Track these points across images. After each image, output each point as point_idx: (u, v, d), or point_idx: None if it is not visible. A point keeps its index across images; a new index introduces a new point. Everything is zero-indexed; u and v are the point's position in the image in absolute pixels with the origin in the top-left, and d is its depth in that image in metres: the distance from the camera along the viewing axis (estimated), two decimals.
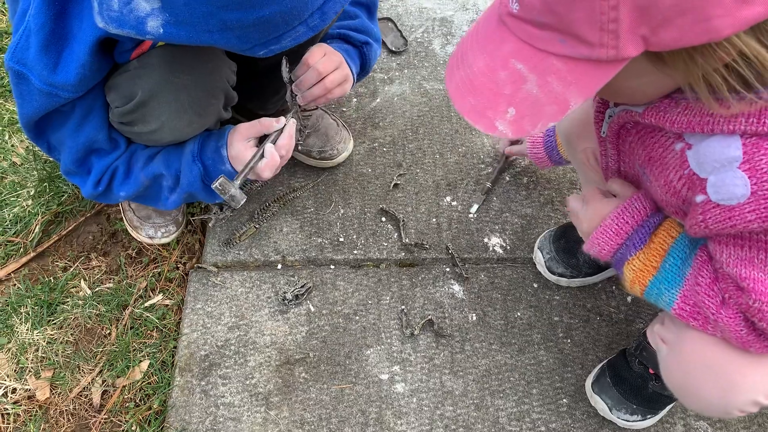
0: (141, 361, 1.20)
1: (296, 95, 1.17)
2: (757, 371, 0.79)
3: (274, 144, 1.10)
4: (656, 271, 0.81)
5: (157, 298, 1.27)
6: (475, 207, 1.36)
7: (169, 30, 0.79)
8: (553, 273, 1.25)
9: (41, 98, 0.94)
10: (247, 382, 1.15)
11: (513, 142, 1.38)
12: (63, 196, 1.40)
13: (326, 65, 1.13)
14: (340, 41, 1.22)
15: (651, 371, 1.04)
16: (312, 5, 0.83)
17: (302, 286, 1.25)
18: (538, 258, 1.26)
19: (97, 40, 0.90)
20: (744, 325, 0.73)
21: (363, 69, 1.25)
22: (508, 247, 1.32)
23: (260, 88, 1.36)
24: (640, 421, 1.08)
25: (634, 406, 1.07)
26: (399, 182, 1.41)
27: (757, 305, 0.69)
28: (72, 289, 1.30)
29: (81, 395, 1.18)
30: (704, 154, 0.67)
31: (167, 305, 1.27)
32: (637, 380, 1.06)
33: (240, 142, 1.11)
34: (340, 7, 0.88)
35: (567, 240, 1.23)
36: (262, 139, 1.14)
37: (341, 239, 1.33)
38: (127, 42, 0.95)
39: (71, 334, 1.24)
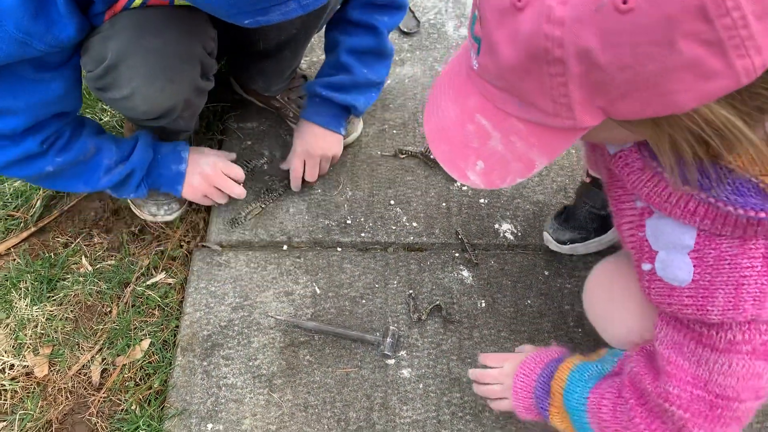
0: (142, 339, 1.17)
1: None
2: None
3: None
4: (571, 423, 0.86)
5: (160, 277, 1.24)
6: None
7: None
8: (564, 243, 1.21)
9: (11, 46, 0.87)
10: (251, 364, 1.13)
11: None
12: None
13: (312, 174, 1.31)
14: (325, 104, 1.27)
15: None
16: None
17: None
18: (546, 237, 1.23)
19: None
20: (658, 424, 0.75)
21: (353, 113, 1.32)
22: (519, 234, 1.29)
23: (264, 71, 1.33)
24: None
25: None
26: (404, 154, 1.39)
27: (671, 389, 0.71)
28: (73, 266, 1.27)
29: (80, 373, 1.15)
30: (662, 231, 0.68)
31: (170, 284, 1.24)
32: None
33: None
34: None
35: (567, 212, 1.22)
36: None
37: (348, 221, 1.30)
38: (98, 3, 0.92)
39: (71, 311, 1.21)
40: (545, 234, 1.23)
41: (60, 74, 0.98)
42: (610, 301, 0.90)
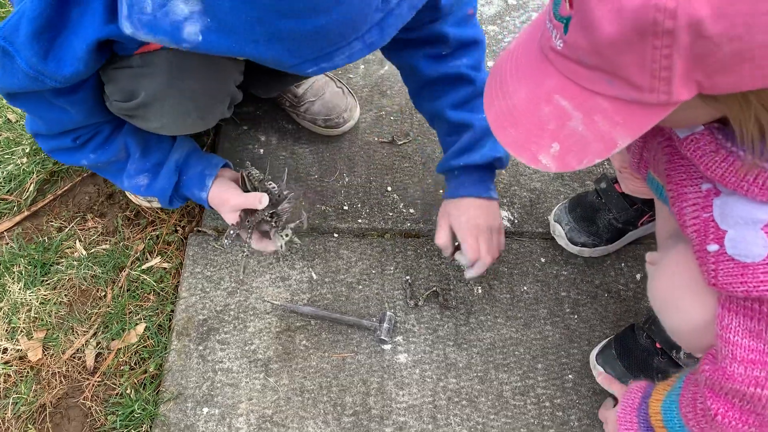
0: (137, 324, 1.17)
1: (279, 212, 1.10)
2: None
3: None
4: None
5: (155, 261, 1.24)
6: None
7: (208, 38, 0.70)
8: (575, 244, 1.21)
9: (25, 80, 0.86)
10: (247, 348, 1.12)
11: None
12: None
13: (490, 249, 1.09)
14: (465, 172, 1.11)
15: (657, 345, 1.03)
16: (371, 18, 0.73)
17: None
18: (558, 231, 1.22)
19: (99, 40, 0.83)
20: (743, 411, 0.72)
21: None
22: (516, 221, 1.29)
23: (268, 83, 1.29)
24: None
25: None
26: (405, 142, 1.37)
27: (758, 374, 0.68)
28: (67, 250, 1.26)
29: (74, 357, 1.14)
30: (732, 208, 0.66)
31: (165, 268, 1.23)
32: (642, 354, 1.04)
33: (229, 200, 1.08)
34: (402, 23, 0.79)
35: (583, 208, 1.20)
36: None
37: (345, 207, 1.30)
38: (132, 42, 0.87)
39: (65, 295, 1.20)
40: (557, 226, 1.22)
41: (77, 100, 0.95)
42: (680, 287, 0.83)
